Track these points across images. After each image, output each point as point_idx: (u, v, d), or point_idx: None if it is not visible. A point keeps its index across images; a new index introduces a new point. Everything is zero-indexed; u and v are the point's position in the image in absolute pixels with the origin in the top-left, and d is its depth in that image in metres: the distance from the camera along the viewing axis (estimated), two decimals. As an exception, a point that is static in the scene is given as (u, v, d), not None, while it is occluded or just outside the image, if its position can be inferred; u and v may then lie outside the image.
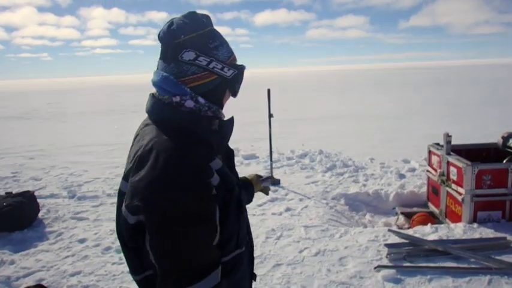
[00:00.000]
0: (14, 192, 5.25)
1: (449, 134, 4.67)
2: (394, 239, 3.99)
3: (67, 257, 4.00)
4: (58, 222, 4.92)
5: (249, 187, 1.66)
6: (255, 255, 1.50)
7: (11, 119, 18.76)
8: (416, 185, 5.85)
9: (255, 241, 4.02)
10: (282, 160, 7.64)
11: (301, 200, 5.46)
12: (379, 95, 24.77)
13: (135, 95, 34.28)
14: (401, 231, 4.25)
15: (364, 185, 6.00)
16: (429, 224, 4.39)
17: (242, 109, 15.90)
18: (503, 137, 4.91)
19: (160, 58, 1.19)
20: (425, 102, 18.53)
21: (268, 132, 6.40)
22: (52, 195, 5.96)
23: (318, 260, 3.70)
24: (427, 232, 4.13)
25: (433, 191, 5.07)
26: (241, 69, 1.23)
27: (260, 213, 4.98)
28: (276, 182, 6.18)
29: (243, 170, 6.96)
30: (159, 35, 1.18)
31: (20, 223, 4.64)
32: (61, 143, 10.95)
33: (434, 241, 3.85)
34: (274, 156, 7.50)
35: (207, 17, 1.21)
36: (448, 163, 4.60)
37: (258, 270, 3.34)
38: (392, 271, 3.39)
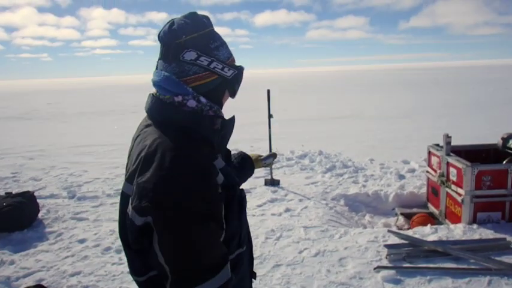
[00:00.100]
0: (13, 192, 5.25)
1: (449, 135, 4.67)
2: (394, 240, 3.99)
3: (67, 257, 4.00)
4: (58, 222, 4.92)
5: (247, 161, 1.74)
6: (254, 255, 1.51)
7: (11, 119, 18.76)
8: (416, 185, 5.85)
9: (255, 241, 4.03)
10: (282, 161, 7.64)
11: (300, 200, 5.46)
12: (379, 95, 24.79)
13: (135, 95, 34.29)
14: (401, 232, 4.25)
15: (364, 186, 6.00)
16: (429, 225, 4.40)
17: (242, 110, 15.90)
18: (503, 138, 4.91)
19: (160, 58, 1.19)
20: (425, 103, 18.53)
21: (268, 132, 6.40)
22: (52, 196, 5.96)
23: (318, 260, 3.70)
24: (427, 233, 4.13)
25: (433, 191, 5.07)
26: (240, 69, 1.25)
27: (260, 214, 4.99)
28: (276, 183, 6.19)
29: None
30: (159, 35, 1.18)
31: (19, 223, 4.64)
32: (61, 143, 10.95)
33: (434, 242, 3.86)
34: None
35: (207, 17, 1.22)
36: (448, 164, 4.61)
37: (257, 270, 3.33)
38: (392, 272, 3.39)
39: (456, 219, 4.45)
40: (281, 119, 12.25)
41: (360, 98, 23.70)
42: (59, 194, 6.02)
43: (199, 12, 1.24)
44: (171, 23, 1.16)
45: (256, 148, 8.96)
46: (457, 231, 4.13)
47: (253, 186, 5.96)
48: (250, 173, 1.77)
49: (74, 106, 25.60)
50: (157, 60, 1.21)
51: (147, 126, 1.19)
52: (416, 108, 16.85)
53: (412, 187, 5.80)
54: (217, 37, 1.20)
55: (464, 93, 24.09)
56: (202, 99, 1.16)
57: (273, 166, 6.72)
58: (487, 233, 4.06)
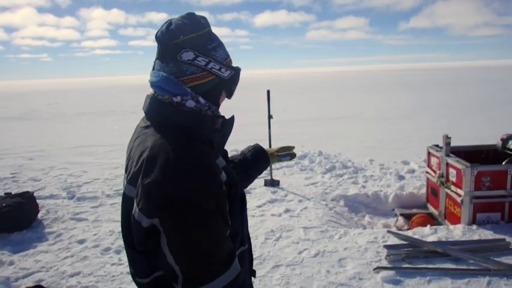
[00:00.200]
0: (13, 192, 5.24)
1: (449, 136, 4.67)
2: (394, 241, 3.99)
3: (66, 257, 3.99)
4: (57, 223, 4.92)
5: (262, 153, 1.72)
6: (254, 256, 1.51)
7: (10, 120, 18.75)
8: (416, 186, 5.85)
9: (254, 242, 4.03)
10: (282, 161, 7.64)
11: (300, 201, 5.47)
12: (379, 96, 24.80)
13: (134, 95, 34.29)
14: (401, 232, 4.25)
15: (364, 187, 6.01)
16: (428, 226, 4.40)
17: (242, 110, 15.90)
18: (502, 139, 4.92)
19: (158, 58, 1.19)
20: (425, 104, 18.55)
21: (268, 133, 6.40)
22: (51, 196, 5.96)
23: (317, 261, 3.70)
24: (426, 233, 4.14)
25: (432, 192, 5.08)
26: (237, 70, 1.25)
27: (259, 214, 4.99)
28: (276, 183, 6.19)
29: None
30: (156, 35, 1.18)
31: (19, 224, 4.64)
32: (61, 143, 10.95)
33: (433, 242, 3.86)
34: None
35: (205, 18, 1.22)
36: (447, 165, 4.61)
37: (257, 271, 3.33)
38: (391, 272, 3.39)
39: (456, 219, 4.46)
40: (281, 119, 12.25)
41: (360, 98, 23.71)
42: (59, 195, 6.02)
43: (199, 12, 1.24)
44: (169, 23, 1.16)
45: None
46: (457, 231, 4.14)
47: (253, 187, 5.97)
48: (265, 165, 1.74)
49: (73, 106, 25.60)
50: (154, 60, 1.22)
51: (146, 127, 1.19)
52: (415, 108, 16.86)
53: (412, 188, 5.80)
54: (214, 38, 1.21)
55: (463, 93, 24.11)
56: (201, 100, 1.17)
57: (273, 166, 6.73)
58: (487, 234, 4.06)
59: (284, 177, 6.67)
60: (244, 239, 1.28)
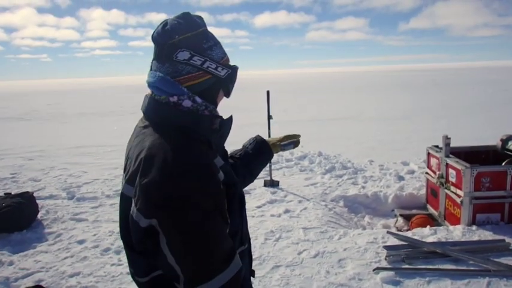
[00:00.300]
0: (13, 193, 5.24)
1: (448, 136, 4.68)
2: (393, 241, 3.99)
3: (66, 258, 3.99)
4: (57, 223, 4.92)
5: (264, 145, 1.71)
6: (254, 256, 1.52)
7: (10, 120, 18.75)
8: (415, 187, 5.85)
9: (254, 242, 4.03)
10: (281, 162, 7.65)
11: (300, 201, 5.47)
12: (378, 96, 24.81)
13: (134, 96, 34.28)
14: (400, 233, 4.25)
15: (363, 187, 6.01)
16: (428, 226, 4.40)
17: (241, 110, 15.92)
18: (502, 140, 4.92)
19: (154, 59, 1.20)
20: (424, 104, 18.55)
21: (268, 133, 6.40)
22: (51, 196, 5.96)
23: (317, 261, 3.70)
24: (426, 234, 4.14)
25: (432, 193, 5.08)
26: (234, 69, 1.25)
27: (259, 215, 4.99)
28: (275, 184, 6.19)
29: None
30: (152, 35, 1.19)
31: (19, 224, 4.64)
32: (60, 144, 10.95)
33: (433, 243, 3.86)
34: (273, 157, 7.50)
35: (201, 17, 1.22)
36: (447, 165, 4.61)
37: (256, 271, 3.33)
38: (391, 273, 3.39)
39: (455, 220, 4.46)
40: (281, 120, 12.25)
41: (359, 99, 23.72)
42: (58, 195, 6.02)
43: (199, 13, 1.24)
44: (165, 23, 1.17)
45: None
46: (456, 232, 4.14)
47: (253, 187, 5.97)
48: (267, 157, 1.73)
49: (73, 107, 25.60)
50: (151, 61, 1.22)
51: (145, 127, 1.19)
52: (415, 109, 16.87)
53: (412, 188, 5.80)
54: (210, 37, 1.21)
55: (463, 94, 24.12)
56: (198, 99, 1.17)
57: (273, 167, 6.73)
58: (486, 235, 4.06)
59: (284, 177, 6.67)
60: (243, 238, 1.29)
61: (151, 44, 1.21)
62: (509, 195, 4.29)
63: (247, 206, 1.34)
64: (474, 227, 4.21)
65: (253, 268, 1.48)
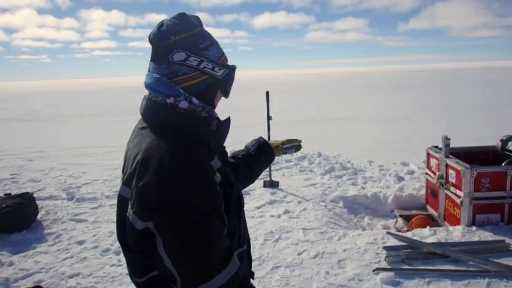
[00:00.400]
0: (13, 193, 5.24)
1: (448, 137, 4.68)
2: (393, 242, 3.99)
3: (66, 258, 3.99)
4: (57, 223, 4.92)
5: (265, 147, 1.71)
6: (253, 257, 1.51)
7: (10, 121, 18.74)
8: (415, 187, 5.85)
9: (254, 243, 4.03)
10: (281, 162, 7.64)
11: (299, 202, 5.47)
12: (378, 97, 24.82)
13: (134, 96, 34.25)
14: (400, 233, 4.25)
15: (363, 188, 6.01)
16: (428, 227, 4.40)
17: (241, 111, 15.92)
18: (501, 140, 4.92)
19: (152, 60, 1.20)
20: (424, 105, 18.56)
21: (267, 134, 6.40)
22: (51, 197, 5.96)
23: (317, 262, 3.70)
24: (426, 235, 4.14)
25: (432, 193, 5.08)
26: (232, 69, 1.24)
27: (259, 216, 4.99)
28: (275, 184, 6.19)
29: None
30: (149, 36, 1.19)
31: (18, 224, 4.64)
32: (60, 144, 10.94)
33: (432, 244, 3.86)
34: (273, 158, 7.50)
35: (197, 18, 1.22)
36: (447, 166, 4.61)
37: (256, 272, 3.33)
38: (390, 274, 3.39)
39: (455, 221, 4.46)
40: (280, 120, 12.26)
41: (359, 99, 23.73)
42: (58, 196, 6.02)
43: (199, 14, 1.24)
44: (160, 24, 1.17)
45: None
46: (456, 233, 4.14)
47: (252, 188, 5.97)
48: (269, 159, 1.73)
49: (73, 107, 25.60)
50: (149, 62, 1.22)
51: (143, 128, 1.19)
52: (415, 110, 16.88)
53: (411, 189, 5.80)
54: (207, 37, 1.20)
55: (462, 94, 24.13)
56: (194, 100, 1.16)
57: (272, 168, 6.73)
58: (486, 235, 4.06)
59: (283, 178, 6.67)
60: (241, 240, 1.28)
61: (150, 45, 1.21)
62: (509, 195, 4.29)
63: (246, 206, 1.33)
64: (474, 228, 4.21)
65: (252, 269, 1.48)
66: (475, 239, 4.01)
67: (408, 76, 68.37)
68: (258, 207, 5.27)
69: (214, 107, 1.25)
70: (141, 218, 1.02)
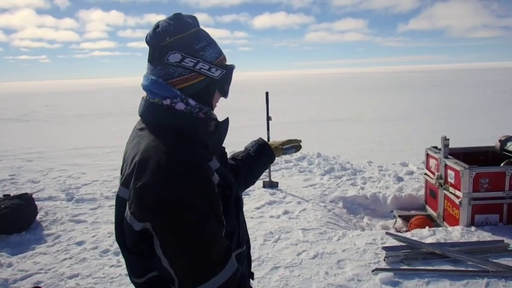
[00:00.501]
0: (12, 194, 5.23)
1: (447, 137, 4.68)
2: (392, 242, 3.99)
3: (65, 259, 3.99)
4: (56, 224, 4.91)
5: (265, 148, 1.71)
6: (253, 257, 1.52)
7: (9, 121, 18.73)
8: (414, 188, 5.86)
9: (253, 244, 4.03)
10: (280, 163, 7.65)
11: (299, 202, 5.47)
12: (378, 98, 24.84)
13: (133, 97, 34.24)
14: (399, 234, 4.26)
15: (362, 188, 6.01)
16: (427, 227, 4.40)
17: (240, 111, 15.93)
18: (500, 141, 4.93)
19: (149, 61, 1.20)
20: (423, 105, 18.58)
21: (267, 135, 6.40)
22: (50, 198, 5.95)
23: (316, 262, 3.70)
24: (425, 235, 4.14)
25: (431, 194, 5.08)
26: (230, 69, 1.24)
27: (258, 216, 4.99)
28: (274, 185, 6.19)
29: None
30: (146, 38, 1.19)
31: (18, 225, 4.63)
32: (59, 145, 10.94)
33: (432, 244, 3.86)
34: (273, 159, 7.50)
35: (193, 18, 1.21)
36: (446, 166, 4.62)
37: (255, 272, 3.33)
38: (390, 274, 3.39)
39: (454, 221, 4.46)
40: (280, 121, 12.27)
41: (358, 100, 23.74)
42: (57, 196, 6.01)
43: (198, 14, 1.23)
44: (156, 25, 1.17)
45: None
46: (455, 233, 4.14)
47: (252, 189, 5.96)
48: (269, 160, 1.73)
49: (72, 108, 25.59)
50: (147, 63, 1.22)
51: (141, 129, 1.19)
52: (414, 110, 16.89)
53: (411, 189, 5.81)
54: (203, 37, 1.19)
55: (462, 95, 24.16)
56: (191, 102, 1.16)
57: (272, 168, 6.73)
58: (485, 235, 4.07)
59: (283, 178, 6.67)
60: (241, 241, 1.28)
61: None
62: (507, 196, 4.29)
63: (246, 207, 1.34)
64: (473, 228, 4.21)
65: (252, 269, 1.48)
66: (474, 239, 4.01)
67: (408, 77, 68.43)
68: (258, 208, 5.27)
69: (212, 108, 1.25)
70: (139, 218, 1.02)
